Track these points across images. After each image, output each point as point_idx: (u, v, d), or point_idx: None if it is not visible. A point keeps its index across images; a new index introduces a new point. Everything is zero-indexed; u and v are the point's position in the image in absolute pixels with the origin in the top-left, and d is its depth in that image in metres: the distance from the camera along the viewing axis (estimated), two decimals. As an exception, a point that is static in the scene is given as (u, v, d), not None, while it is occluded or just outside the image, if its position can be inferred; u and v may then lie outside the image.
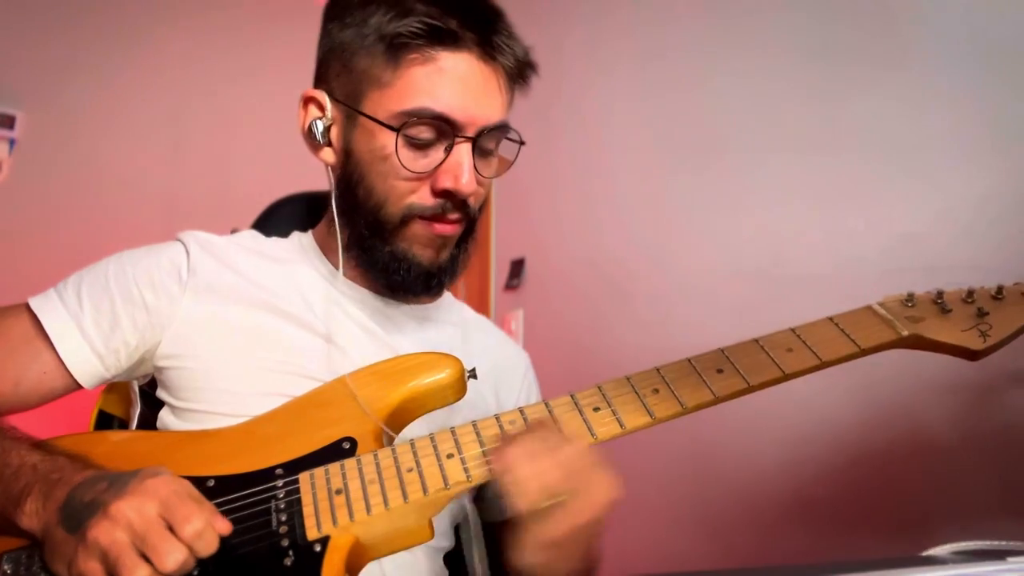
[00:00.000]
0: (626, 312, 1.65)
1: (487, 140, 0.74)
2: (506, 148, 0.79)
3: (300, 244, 0.84)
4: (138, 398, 0.80)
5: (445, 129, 0.71)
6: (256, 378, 0.71)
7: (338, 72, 0.75)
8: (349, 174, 0.75)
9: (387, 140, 0.71)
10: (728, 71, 1.44)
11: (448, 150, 0.71)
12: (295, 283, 0.78)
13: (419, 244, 0.74)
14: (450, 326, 0.86)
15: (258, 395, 0.69)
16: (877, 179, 1.12)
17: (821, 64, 1.23)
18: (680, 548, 1.41)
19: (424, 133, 0.71)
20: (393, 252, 0.74)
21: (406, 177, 0.71)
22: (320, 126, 0.75)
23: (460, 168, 0.71)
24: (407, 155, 0.70)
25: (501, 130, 0.75)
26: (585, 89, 1.90)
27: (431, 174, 0.72)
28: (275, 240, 0.85)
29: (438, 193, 0.72)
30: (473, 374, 0.69)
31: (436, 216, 0.73)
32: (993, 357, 0.66)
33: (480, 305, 2.22)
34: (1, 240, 1.97)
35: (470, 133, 0.72)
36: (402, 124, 0.70)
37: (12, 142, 2.04)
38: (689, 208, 1.52)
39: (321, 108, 0.76)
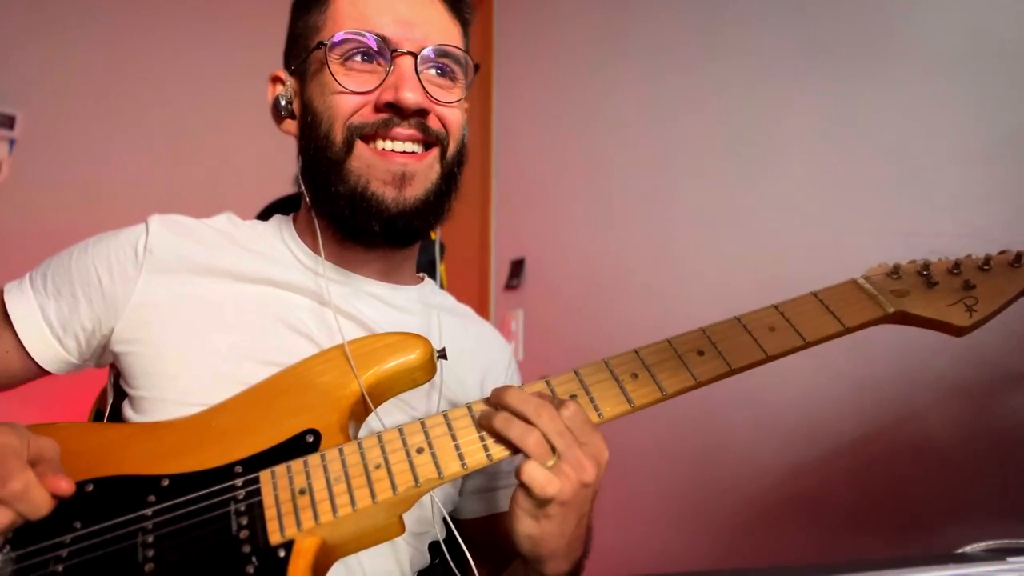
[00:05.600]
0: (626, 312, 1.63)
1: (439, 61, 0.72)
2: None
3: (279, 229, 0.80)
4: (112, 387, 0.77)
5: (381, 47, 0.70)
6: (210, 363, 0.67)
7: (292, 45, 0.78)
8: (306, 129, 0.73)
9: (326, 71, 0.70)
10: (729, 72, 1.42)
11: (389, 69, 0.69)
12: (264, 263, 0.74)
13: (376, 179, 0.69)
14: (447, 314, 0.83)
15: (212, 381, 0.65)
16: (878, 179, 1.10)
17: (821, 66, 1.22)
18: (680, 548, 1.38)
19: (358, 54, 0.70)
20: (351, 191, 0.70)
21: (340, 91, 0.69)
22: (282, 100, 0.76)
23: (401, 79, 0.69)
24: (344, 76, 0.70)
25: (447, 54, 0.73)
26: (587, 89, 1.88)
27: (373, 92, 0.70)
28: (252, 223, 0.81)
29: (380, 108, 0.69)
30: (443, 354, 0.66)
31: (382, 133, 0.69)
32: (995, 357, 0.63)
33: (480, 305, 2.20)
34: (1, 240, 1.97)
35: (410, 48, 0.70)
36: (331, 43, 0.70)
37: (12, 142, 2.04)
38: (689, 208, 1.49)
39: (284, 83, 0.77)
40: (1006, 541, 0.52)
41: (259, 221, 0.83)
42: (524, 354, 2.02)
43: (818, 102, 1.22)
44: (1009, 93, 0.93)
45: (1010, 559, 0.46)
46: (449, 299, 0.90)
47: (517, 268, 2.09)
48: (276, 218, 0.83)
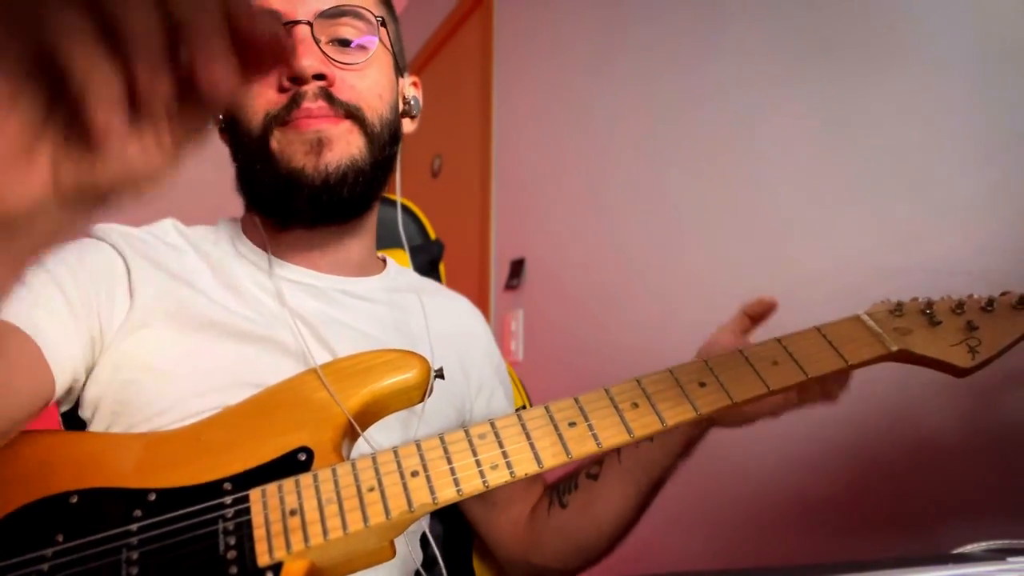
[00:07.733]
0: (626, 313, 1.62)
1: (338, 22, 0.68)
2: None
3: (228, 232, 0.78)
4: (61, 424, 0.72)
5: None
6: (194, 388, 0.64)
7: None
8: (232, 140, 0.73)
9: None
10: (728, 72, 1.41)
11: None
12: (223, 274, 0.71)
13: (297, 153, 0.67)
14: (410, 295, 0.81)
15: (198, 406, 0.63)
16: (877, 179, 1.09)
17: (821, 66, 1.21)
18: (679, 548, 1.38)
19: None
20: (276, 174, 0.67)
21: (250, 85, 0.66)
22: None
23: (295, 47, 0.65)
24: None
25: (344, 12, 0.68)
26: (586, 89, 1.87)
27: (274, 72, 0.66)
28: (196, 228, 0.78)
29: (285, 87, 0.66)
30: (440, 374, 0.65)
31: (294, 114, 0.66)
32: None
33: (480, 305, 2.19)
34: (0, 241, 1.97)
35: (304, 17, 0.66)
36: None
37: (11, 142, 2.05)
38: (689, 209, 1.48)
39: None
40: (1006, 541, 0.52)
41: (203, 227, 0.80)
42: (524, 354, 2.01)
43: (818, 102, 1.21)
44: (1013, 95, 0.92)
45: (1010, 559, 0.46)
46: (414, 276, 0.89)
47: (517, 268, 2.08)
48: (222, 222, 0.80)
